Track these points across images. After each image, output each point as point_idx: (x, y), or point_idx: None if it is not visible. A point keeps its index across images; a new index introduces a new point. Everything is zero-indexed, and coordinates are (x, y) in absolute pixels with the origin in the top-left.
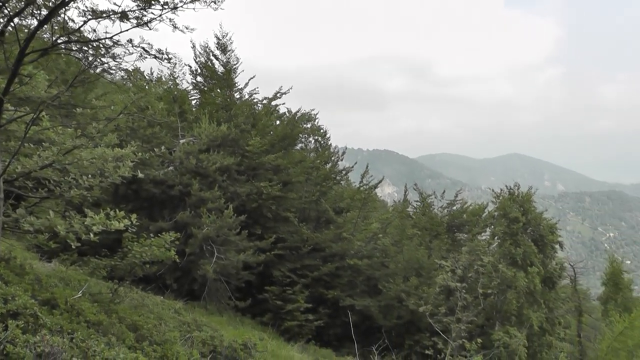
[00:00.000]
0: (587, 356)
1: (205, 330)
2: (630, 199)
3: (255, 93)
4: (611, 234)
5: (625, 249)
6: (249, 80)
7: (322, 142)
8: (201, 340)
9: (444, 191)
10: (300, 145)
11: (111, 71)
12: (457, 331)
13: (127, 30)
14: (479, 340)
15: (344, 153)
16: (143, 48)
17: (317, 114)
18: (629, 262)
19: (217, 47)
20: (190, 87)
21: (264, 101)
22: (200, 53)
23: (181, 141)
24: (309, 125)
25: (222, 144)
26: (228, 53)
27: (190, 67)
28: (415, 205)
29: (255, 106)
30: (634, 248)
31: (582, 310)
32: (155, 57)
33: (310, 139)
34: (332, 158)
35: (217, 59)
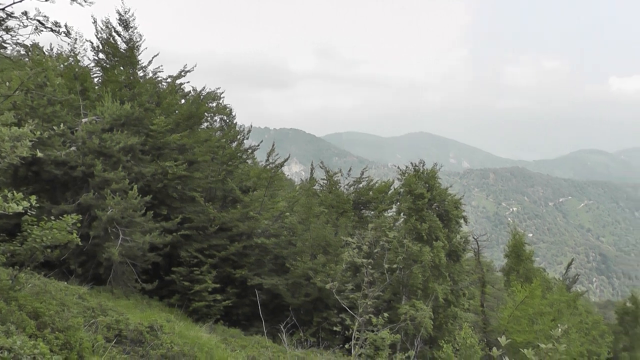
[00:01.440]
0: (490, 325)
1: (111, 315)
2: (533, 175)
3: (160, 71)
4: (514, 209)
5: (527, 222)
6: (153, 57)
7: (227, 120)
8: (106, 324)
9: (350, 169)
10: (205, 124)
11: (6, 45)
12: (364, 307)
13: (20, 0)
14: (386, 314)
15: (249, 132)
16: (39, 21)
17: (222, 92)
18: (530, 234)
19: (119, 23)
20: (92, 64)
21: (169, 80)
22: (101, 29)
23: (83, 120)
24: (214, 104)
25: (126, 123)
26: (130, 30)
27: (92, 43)
28: (322, 183)
29: (160, 85)
30: (535, 221)
31: (485, 282)
32: (52, 30)
33: (216, 117)
34: (238, 137)
35: (119, 35)
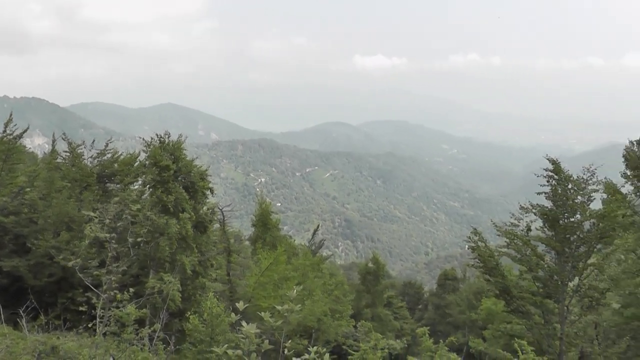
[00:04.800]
0: (237, 293)
1: None
2: (281, 147)
3: None
4: (263, 179)
5: (276, 192)
6: None
7: None
8: None
9: (94, 140)
10: None
11: None
12: (108, 283)
13: None
14: (132, 289)
15: None
16: None
17: None
18: (279, 204)
19: None
20: None
21: None
22: None
23: None
24: None
25: None
26: None
27: None
28: (64, 156)
29: None
30: (284, 191)
31: (232, 251)
32: None
33: None
34: None
35: None
